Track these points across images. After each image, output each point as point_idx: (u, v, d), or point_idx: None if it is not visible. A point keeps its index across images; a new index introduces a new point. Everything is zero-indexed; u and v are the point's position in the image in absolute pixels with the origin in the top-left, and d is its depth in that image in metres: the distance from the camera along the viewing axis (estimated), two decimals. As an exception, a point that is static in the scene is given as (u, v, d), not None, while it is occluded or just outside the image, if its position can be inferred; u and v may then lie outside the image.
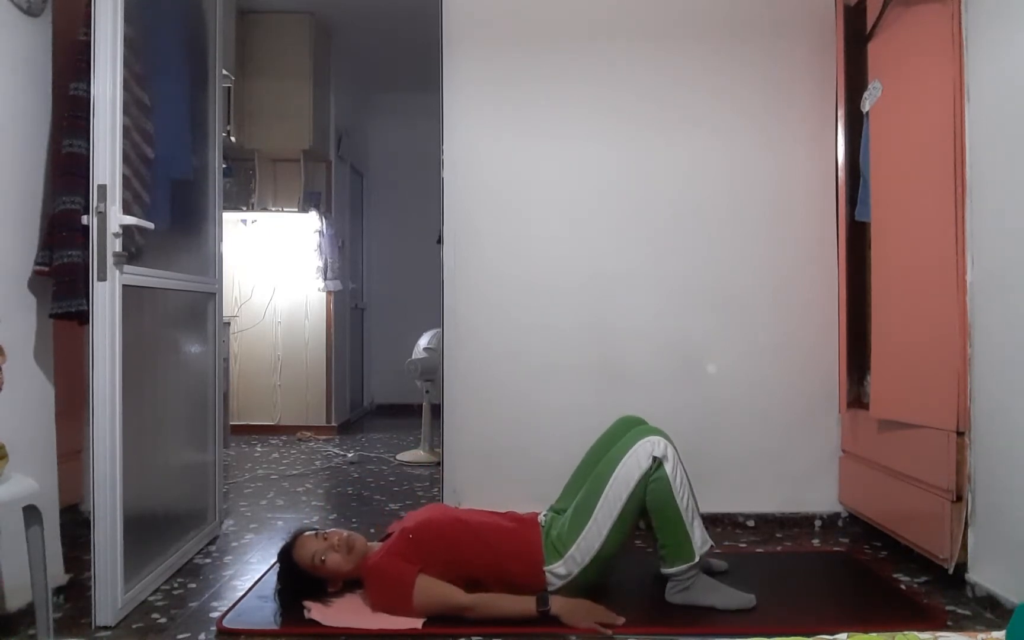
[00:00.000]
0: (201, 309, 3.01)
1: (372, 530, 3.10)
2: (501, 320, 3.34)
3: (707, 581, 2.38)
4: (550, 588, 2.29)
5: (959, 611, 2.29)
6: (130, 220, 2.26)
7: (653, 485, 2.29)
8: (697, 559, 2.32)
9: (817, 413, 3.30)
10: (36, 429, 2.38)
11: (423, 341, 5.01)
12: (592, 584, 2.35)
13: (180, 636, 2.18)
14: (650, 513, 2.32)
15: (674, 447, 2.34)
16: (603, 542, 2.29)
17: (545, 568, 2.31)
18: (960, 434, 2.37)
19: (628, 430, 2.49)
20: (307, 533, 2.39)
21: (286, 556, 2.36)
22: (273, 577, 2.44)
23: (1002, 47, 2.24)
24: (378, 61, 6.52)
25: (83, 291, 2.28)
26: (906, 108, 2.71)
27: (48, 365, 2.45)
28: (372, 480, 4.28)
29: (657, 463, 2.29)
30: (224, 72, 3.28)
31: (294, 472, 4.47)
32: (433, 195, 3.46)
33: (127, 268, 2.28)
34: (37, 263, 2.39)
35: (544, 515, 2.52)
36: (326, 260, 5.85)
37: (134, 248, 2.36)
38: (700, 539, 2.33)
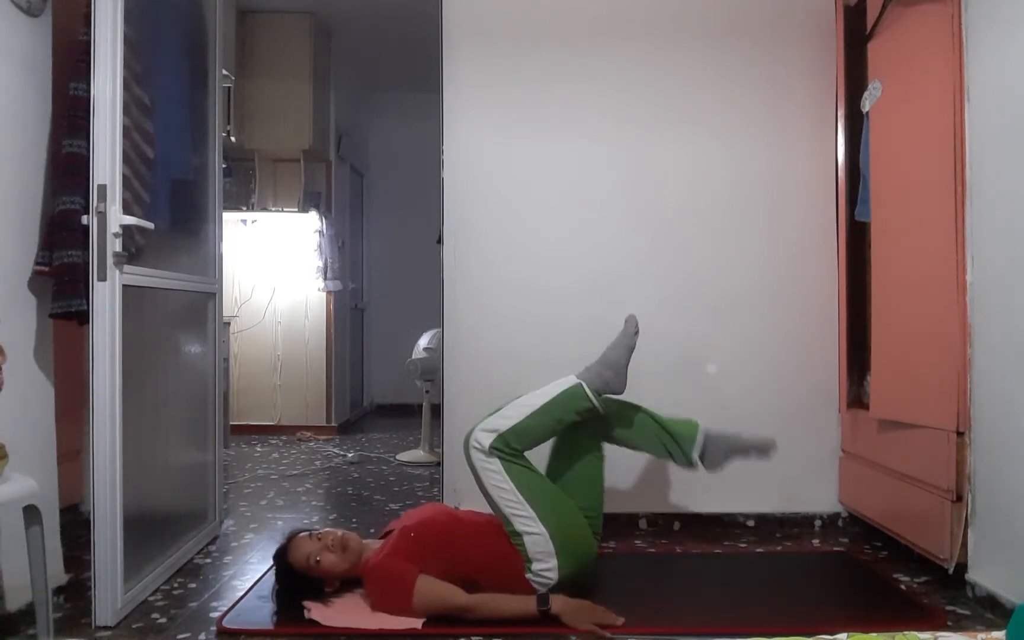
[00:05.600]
0: (201, 309, 3.01)
1: (372, 530, 3.10)
2: (501, 320, 3.34)
3: (606, 371, 2.52)
4: (540, 592, 2.30)
5: (959, 611, 2.29)
6: (130, 220, 2.26)
7: (515, 445, 2.39)
8: (578, 379, 2.49)
9: (817, 413, 3.31)
10: (36, 429, 2.38)
11: (423, 341, 5.01)
12: (582, 572, 2.39)
13: (180, 636, 2.17)
14: (550, 436, 2.50)
15: (481, 424, 2.43)
16: (548, 535, 2.32)
17: (527, 576, 2.33)
18: (960, 434, 2.37)
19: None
20: (301, 534, 2.40)
21: (281, 558, 2.36)
22: (273, 577, 2.44)
23: (1002, 47, 2.24)
24: (378, 61, 6.52)
25: (83, 291, 2.28)
26: (906, 108, 2.71)
27: (48, 365, 2.45)
28: (372, 480, 4.28)
29: (491, 449, 2.37)
30: (224, 72, 3.28)
31: (294, 472, 4.47)
32: (433, 195, 3.46)
33: (127, 268, 2.28)
34: (37, 263, 2.39)
35: None
36: (326, 260, 5.84)
37: (134, 248, 2.36)
38: (568, 380, 2.50)
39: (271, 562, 2.43)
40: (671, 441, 2.55)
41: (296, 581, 2.34)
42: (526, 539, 2.33)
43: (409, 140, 7.01)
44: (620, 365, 2.52)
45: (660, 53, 3.34)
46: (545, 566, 2.32)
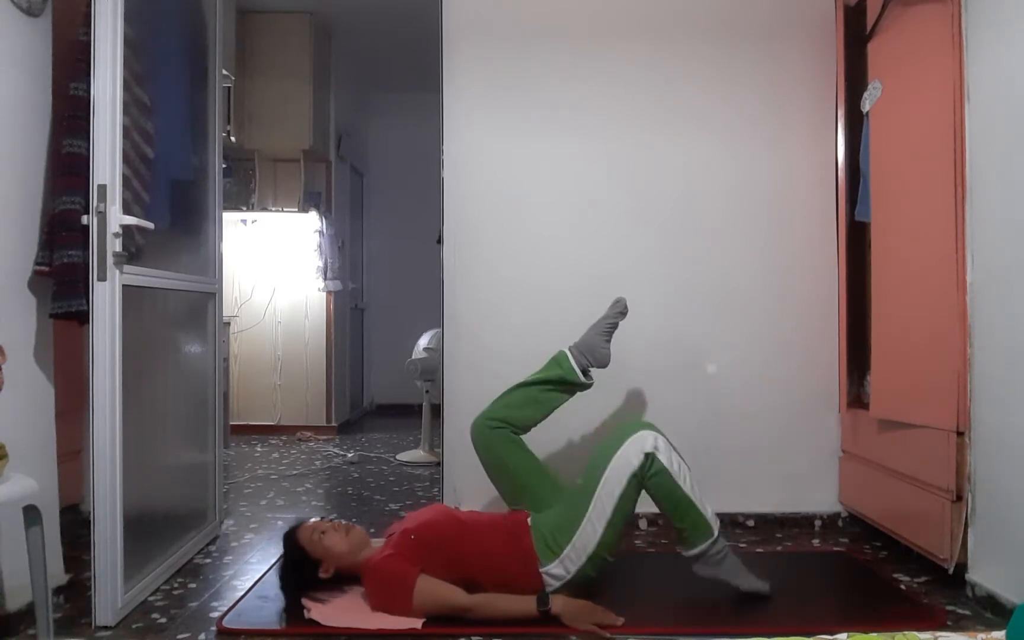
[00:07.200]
0: (201, 309, 3.01)
1: (372, 530, 3.09)
2: (501, 320, 3.33)
3: (734, 560, 2.40)
4: (548, 588, 2.30)
5: (959, 611, 2.30)
6: (130, 220, 2.26)
7: (654, 480, 2.31)
8: (716, 532, 2.36)
9: (817, 413, 3.30)
10: (36, 429, 2.38)
11: (423, 341, 5.01)
12: (590, 580, 2.37)
13: (180, 636, 2.18)
14: (659, 504, 2.37)
15: (665, 437, 2.36)
16: (599, 541, 2.31)
17: (541, 569, 2.32)
18: (960, 434, 2.37)
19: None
20: (312, 520, 2.48)
21: (289, 535, 2.43)
22: (273, 577, 2.46)
23: (1002, 47, 2.24)
24: (378, 61, 6.52)
25: (83, 291, 2.27)
26: (906, 108, 2.71)
27: (48, 365, 2.45)
28: (372, 480, 4.28)
29: (650, 459, 2.31)
30: (224, 72, 3.28)
31: (294, 472, 4.47)
32: (433, 195, 3.46)
33: (127, 268, 2.28)
34: (37, 263, 2.38)
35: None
36: (326, 260, 5.84)
37: (134, 248, 2.36)
38: (712, 514, 2.37)
39: (271, 562, 2.45)
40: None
41: (297, 557, 2.38)
42: (581, 528, 2.31)
43: (409, 140, 7.01)
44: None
45: (660, 53, 3.34)
46: (572, 562, 2.32)
